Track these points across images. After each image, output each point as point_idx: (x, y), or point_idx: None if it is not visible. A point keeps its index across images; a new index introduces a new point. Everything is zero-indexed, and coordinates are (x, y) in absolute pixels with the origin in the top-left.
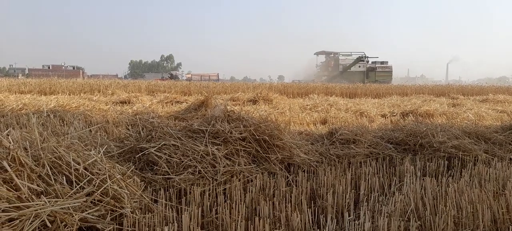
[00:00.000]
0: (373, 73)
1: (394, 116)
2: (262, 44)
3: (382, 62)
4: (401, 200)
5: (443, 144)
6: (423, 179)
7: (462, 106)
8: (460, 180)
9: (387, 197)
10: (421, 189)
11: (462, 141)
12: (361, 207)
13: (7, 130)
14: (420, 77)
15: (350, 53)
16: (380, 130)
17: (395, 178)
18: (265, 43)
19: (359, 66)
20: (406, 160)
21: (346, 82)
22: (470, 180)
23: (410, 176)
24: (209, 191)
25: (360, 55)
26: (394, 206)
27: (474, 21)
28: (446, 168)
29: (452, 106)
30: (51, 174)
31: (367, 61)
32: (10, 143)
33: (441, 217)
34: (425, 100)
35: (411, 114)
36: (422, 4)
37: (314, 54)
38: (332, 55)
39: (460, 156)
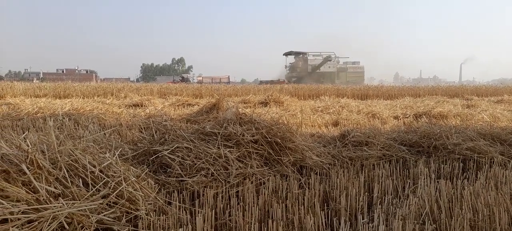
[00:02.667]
0: (344, 74)
1: (407, 117)
2: (271, 46)
3: (353, 63)
4: (415, 202)
5: (457, 145)
6: (437, 182)
7: (476, 107)
8: (475, 182)
9: (401, 200)
10: (436, 191)
11: (477, 142)
12: (375, 210)
13: (24, 133)
14: (432, 78)
15: (319, 53)
16: (393, 132)
17: (409, 180)
18: (275, 45)
19: (329, 67)
20: (420, 162)
21: (315, 83)
22: (486, 183)
23: (424, 179)
24: (222, 193)
25: (328, 55)
26: (409, 209)
27: (488, 21)
28: (461, 170)
29: (466, 108)
30: (67, 177)
31: (338, 61)
32: (28, 146)
33: (457, 220)
34: (439, 102)
35: (424, 116)
36: (435, 4)
37: (283, 54)
38: (301, 55)
39: (476, 158)
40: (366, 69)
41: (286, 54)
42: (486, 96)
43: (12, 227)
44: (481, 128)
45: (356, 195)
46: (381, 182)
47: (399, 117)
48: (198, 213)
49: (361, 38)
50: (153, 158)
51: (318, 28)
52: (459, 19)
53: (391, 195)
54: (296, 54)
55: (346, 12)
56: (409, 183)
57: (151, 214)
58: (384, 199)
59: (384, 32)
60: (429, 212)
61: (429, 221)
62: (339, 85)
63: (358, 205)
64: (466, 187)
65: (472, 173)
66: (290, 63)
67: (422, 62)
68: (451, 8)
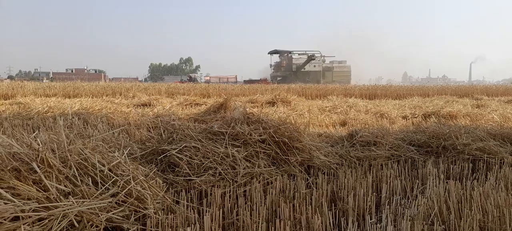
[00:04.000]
0: (330, 73)
1: (416, 117)
2: (280, 45)
3: (340, 62)
4: (424, 203)
5: (467, 146)
6: (447, 182)
7: (486, 107)
8: (485, 183)
9: (409, 200)
10: (445, 192)
11: (487, 143)
12: (383, 210)
13: (34, 132)
14: (441, 77)
15: (304, 52)
16: (401, 132)
17: (417, 181)
18: (283, 45)
19: (315, 66)
20: (428, 162)
21: (300, 82)
22: (496, 183)
23: (433, 179)
24: (229, 192)
25: (312, 54)
26: (417, 210)
27: (499, 19)
28: (470, 171)
29: (476, 108)
30: (77, 175)
31: (323, 61)
32: (39, 145)
33: (466, 221)
34: (448, 102)
35: (433, 116)
36: (443, 2)
37: (268, 53)
38: (286, 54)
39: (485, 158)
40: (376, 68)
41: (271, 53)
42: (496, 96)
43: (23, 225)
44: (491, 128)
45: (364, 195)
46: (389, 182)
47: (408, 116)
48: (206, 212)
49: (370, 36)
50: (161, 157)
51: (327, 27)
52: (469, 18)
53: (400, 195)
54: (281, 53)
55: (355, 10)
56: (418, 183)
57: (160, 213)
58: (392, 200)
59: (393, 30)
60: (438, 213)
61: (438, 222)
62: (325, 84)
63: (366, 205)
64: (475, 188)
65: (481, 174)
66: (275, 62)
67: (431, 61)
68: (461, 6)
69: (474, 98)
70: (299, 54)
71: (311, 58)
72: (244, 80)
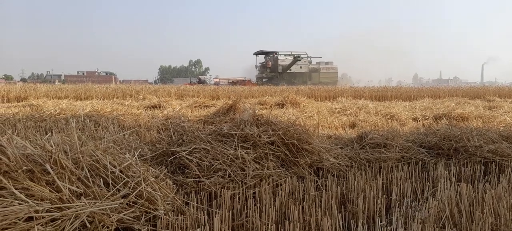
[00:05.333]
0: (317, 75)
1: (427, 119)
2: (292, 47)
3: (327, 63)
4: (435, 206)
5: (479, 148)
6: (458, 185)
7: (499, 109)
8: (497, 186)
9: (420, 203)
10: (456, 195)
11: (500, 145)
12: (393, 213)
13: (47, 134)
14: (453, 79)
15: (290, 53)
16: (412, 134)
17: (428, 183)
18: (295, 47)
19: (301, 67)
20: (439, 164)
21: (286, 83)
22: (509, 186)
23: (444, 182)
24: (239, 194)
25: (298, 55)
26: (428, 212)
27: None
28: (482, 174)
29: (488, 109)
30: (89, 176)
31: (310, 62)
32: (52, 146)
33: (478, 224)
34: (459, 103)
35: (444, 118)
36: (453, 2)
37: (254, 54)
38: (271, 55)
39: (498, 160)
40: (389, 69)
41: (256, 53)
42: (509, 98)
43: (37, 225)
44: (504, 130)
45: (373, 198)
46: (400, 185)
47: (418, 118)
48: (216, 213)
49: (381, 38)
50: (171, 159)
51: (339, 27)
52: (481, 18)
53: (410, 198)
54: (266, 54)
55: (363, 12)
56: (429, 186)
57: (170, 214)
58: (403, 202)
59: (404, 31)
60: (449, 216)
61: (449, 225)
62: (310, 86)
63: (376, 207)
64: (487, 191)
65: (494, 176)
66: (260, 63)
67: (443, 63)
68: (473, 6)
69: (486, 100)
70: (285, 55)
71: (297, 59)
72: (228, 81)
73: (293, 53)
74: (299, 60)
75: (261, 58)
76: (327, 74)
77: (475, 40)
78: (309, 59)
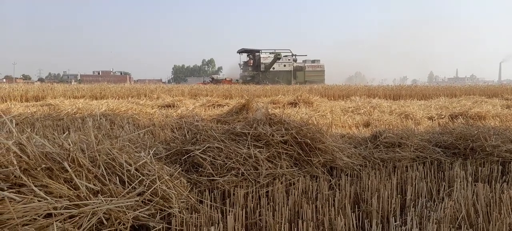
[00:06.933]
0: (302, 73)
1: (442, 118)
2: (302, 48)
3: (313, 61)
4: (451, 206)
5: (496, 147)
6: (475, 185)
7: None
8: None
9: (435, 203)
10: (473, 195)
11: None
12: (408, 213)
13: (64, 132)
14: (469, 77)
15: (273, 51)
16: (427, 133)
17: (444, 183)
18: (303, 48)
19: (285, 66)
20: (456, 164)
21: (270, 82)
22: None
23: (460, 181)
24: (252, 193)
25: (278, 53)
26: (444, 212)
27: None
28: (500, 174)
29: (506, 108)
30: (105, 174)
31: (295, 60)
32: (69, 145)
33: (495, 224)
34: (476, 102)
35: (460, 117)
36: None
37: (237, 52)
38: (254, 53)
39: None
40: (400, 68)
41: (240, 51)
42: None
43: (55, 221)
44: None
45: (388, 197)
46: (415, 184)
47: (434, 117)
48: (229, 212)
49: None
50: (185, 157)
51: (352, 28)
52: (499, 15)
53: (425, 198)
54: (250, 52)
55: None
56: (444, 186)
57: (184, 212)
58: (418, 202)
59: (418, 28)
60: (465, 216)
61: (466, 226)
62: (295, 85)
63: (390, 207)
64: (505, 191)
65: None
66: (243, 61)
67: (459, 61)
68: (491, 3)
69: (504, 98)
70: (270, 53)
71: (277, 57)
72: (211, 79)
73: (276, 51)
74: (280, 58)
75: (245, 57)
76: (313, 73)
77: (492, 38)
78: (293, 57)
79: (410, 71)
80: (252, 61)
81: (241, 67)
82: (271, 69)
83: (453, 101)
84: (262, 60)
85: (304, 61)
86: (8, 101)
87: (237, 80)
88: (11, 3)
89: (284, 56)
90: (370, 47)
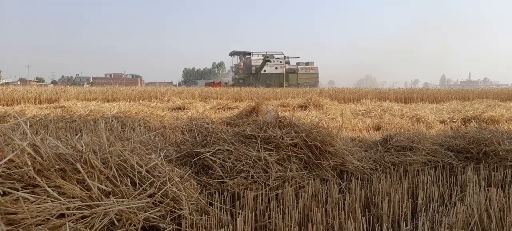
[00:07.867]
0: (295, 76)
1: (454, 122)
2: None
3: (307, 63)
4: (463, 211)
5: (510, 152)
6: (488, 190)
7: None
8: None
9: (447, 208)
10: (486, 200)
11: None
12: (419, 217)
13: (76, 134)
14: (483, 80)
15: (265, 53)
16: (439, 137)
17: (456, 187)
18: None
19: (276, 68)
20: (468, 169)
21: (261, 85)
22: None
23: (473, 186)
24: (261, 195)
25: (267, 55)
26: (456, 217)
27: None
28: None
29: None
30: (117, 176)
31: (287, 62)
32: (82, 146)
33: (509, 230)
34: (489, 105)
35: (473, 121)
36: (484, 2)
37: (229, 54)
38: (245, 55)
39: None
40: (412, 71)
41: (231, 54)
42: None
43: (68, 222)
44: None
45: (399, 202)
46: (426, 189)
47: (446, 121)
48: (239, 214)
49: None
50: (195, 160)
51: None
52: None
53: (437, 202)
54: (241, 54)
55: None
56: (456, 190)
57: (194, 214)
58: (429, 207)
59: (430, 31)
60: (478, 221)
61: None
62: (287, 87)
63: (401, 211)
64: None
65: None
66: (234, 64)
67: (472, 64)
68: (505, 5)
69: None
70: (263, 55)
71: (266, 59)
72: (205, 83)
73: (267, 53)
74: (269, 61)
75: (237, 59)
76: (307, 75)
77: (506, 41)
78: (286, 59)
79: (422, 74)
80: (242, 63)
81: (233, 69)
82: (262, 71)
83: (466, 105)
84: (253, 63)
85: (297, 63)
86: (22, 104)
87: (225, 83)
88: (24, 8)
89: (276, 58)
90: (381, 51)
